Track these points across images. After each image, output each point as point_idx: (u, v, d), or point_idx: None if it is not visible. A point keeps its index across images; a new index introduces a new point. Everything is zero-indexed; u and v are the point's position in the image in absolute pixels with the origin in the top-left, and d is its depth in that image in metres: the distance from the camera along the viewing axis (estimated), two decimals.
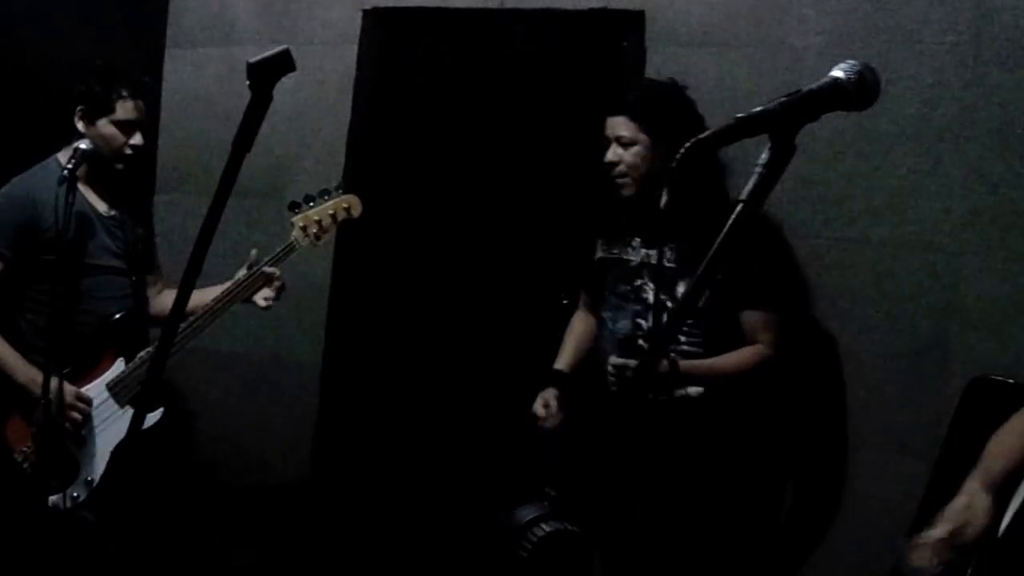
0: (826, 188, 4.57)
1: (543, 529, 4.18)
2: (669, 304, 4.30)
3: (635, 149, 4.33)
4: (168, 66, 6.27)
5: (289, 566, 5.77)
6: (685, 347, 4.29)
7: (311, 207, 4.75)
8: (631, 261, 4.47)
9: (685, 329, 4.29)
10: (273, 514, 5.83)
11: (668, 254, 4.27)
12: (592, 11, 5.10)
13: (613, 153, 4.38)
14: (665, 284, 4.35)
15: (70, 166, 4.38)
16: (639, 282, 4.44)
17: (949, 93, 4.39)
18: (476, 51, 5.56)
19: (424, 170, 5.70)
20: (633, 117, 4.36)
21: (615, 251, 4.56)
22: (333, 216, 4.76)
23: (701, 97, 4.76)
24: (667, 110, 4.39)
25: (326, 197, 4.78)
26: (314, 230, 4.72)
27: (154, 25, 6.27)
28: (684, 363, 4.22)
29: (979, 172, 4.33)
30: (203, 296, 4.61)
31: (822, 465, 4.65)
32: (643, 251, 4.43)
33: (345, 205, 4.80)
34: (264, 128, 5.59)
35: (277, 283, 4.73)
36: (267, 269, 4.67)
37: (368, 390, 5.82)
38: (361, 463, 5.77)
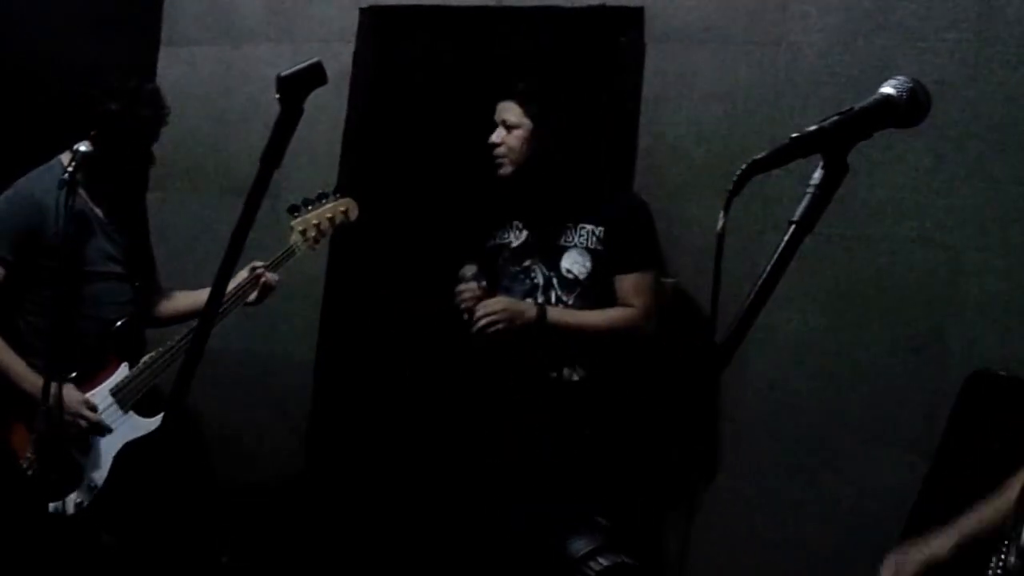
0: None
1: (600, 563, 4.19)
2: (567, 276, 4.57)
3: (517, 132, 4.58)
4: (162, 63, 6.24)
5: (283, 564, 5.75)
6: None
7: (310, 211, 4.77)
8: (513, 243, 4.71)
9: (563, 297, 4.57)
10: (267, 512, 5.81)
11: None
12: (591, 8, 5.11)
13: (497, 135, 4.63)
14: (551, 261, 4.62)
15: (70, 169, 4.36)
16: (527, 263, 4.67)
17: (951, 90, 4.39)
18: (474, 49, 5.56)
19: (421, 169, 5.70)
20: (520, 103, 4.59)
21: (502, 236, 4.77)
22: (331, 220, 4.79)
23: (700, 93, 4.80)
24: (552, 101, 4.61)
25: (324, 201, 4.81)
26: (313, 234, 4.75)
27: (149, 22, 6.25)
28: (552, 310, 4.51)
29: (980, 169, 4.34)
30: (199, 299, 4.61)
31: (822, 460, 4.64)
32: (525, 233, 4.69)
33: (343, 208, 4.83)
34: (259, 126, 5.66)
35: (264, 281, 4.74)
36: (259, 270, 4.68)
37: (361, 388, 5.81)
38: (355, 461, 5.76)
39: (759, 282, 2.08)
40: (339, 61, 5.72)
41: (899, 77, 2.14)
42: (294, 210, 4.76)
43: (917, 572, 2.83)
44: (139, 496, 4.68)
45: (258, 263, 4.66)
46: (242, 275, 4.65)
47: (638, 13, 5.02)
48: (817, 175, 2.10)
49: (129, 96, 4.56)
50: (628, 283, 4.52)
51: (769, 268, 2.08)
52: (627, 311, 4.51)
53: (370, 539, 5.59)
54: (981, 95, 4.34)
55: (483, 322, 4.47)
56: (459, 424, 5.11)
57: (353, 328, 5.85)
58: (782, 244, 2.06)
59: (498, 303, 4.51)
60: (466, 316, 4.55)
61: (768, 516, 4.72)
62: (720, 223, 2.05)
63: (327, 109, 5.72)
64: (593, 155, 4.76)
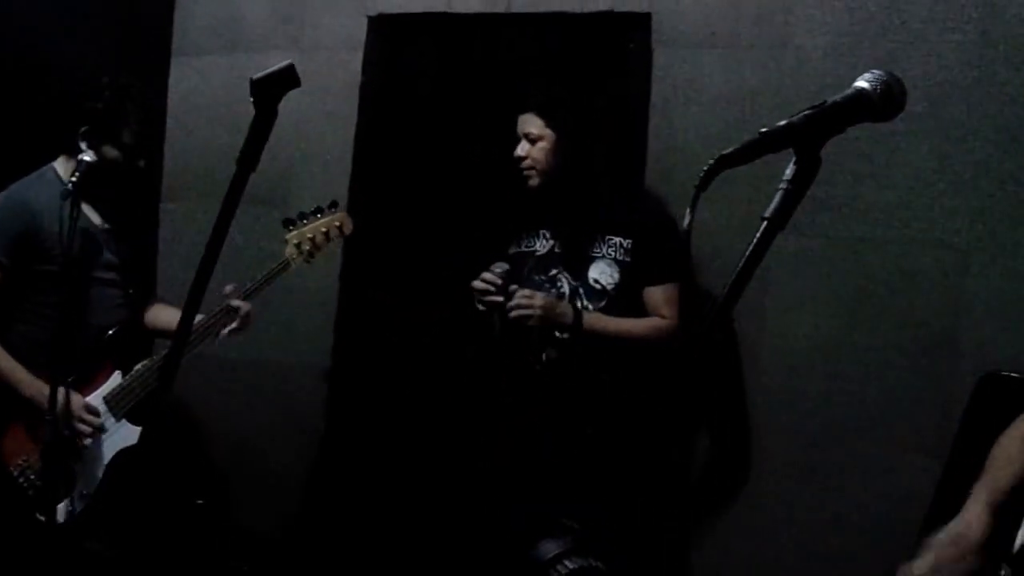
0: (833, 187, 4.56)
1: (567, 567, 4.22)
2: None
3: (541, 144, 4.58)
4: (174, 74, 6.26)
5: (298, 569, 5.78)
6: None
7: (305, 224, 4.85)
8: (539, 251, 4.74)
9: (589, 307, 4.59)
10: (280, 520, 5.83)
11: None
12: (598, 13, 5.10)
13: (521, 148, 4.62)
14: (578, 271, 4.65)
15: (74, 179, 4.37)
16: (553, 272, 4.70)
17: (956, 91, 4.39)
18: (482, 56, 5.56)
19: (432, 176, 5.70)
20: (541, 114, 4.59)
21: (528, 243, 4.79)
22: (326, 233, 4.86)
23: (708, 97, 4.80)
24: (572, 110, 4.63)
25: (319, 215, 4.88)
26: (307, 247, 4.81)
27: (160, 32, 6.26)
28: (588, 316, 4.54)
29: (987, 169, 4.33)
30: (174, 319, 4.64)
31: (836, 463, 4.64)
32: (552, 242, 4.72)
33: (337, 223, 4.90)
34: (271, 135, 5.64)
35: (242, 317, 4.75)
36: (233, 303, 4.69)
37: (376, 395, 5.81)
38: (370, 467, 5.76)
39: (733, 278, 2.07)
40: (348, 69, 5.72)
41: (874, 71, 2.13)
42: (289, 223, 4.83)
43: (981, 534, 2.68)
44: (131, 504, 4.71)
45: (229, 288, 4.68)
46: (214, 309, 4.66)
47: (645, 18, 5.01)
48: (789, 170, 2.05)
49: (114, 94, 4.58)
50: (658, 294, 4.56)
51: (742, 264, 2.06)
52: (662, 322, 4.54)
53: (386, 545, 5.60)
54: (986, 96, 4.33)
55: (516, 313, 4.49)
56: (470, 427, 5.13)
57: (367, 335, 5.85)
58: (755, 240, 2.05)
59: (537, 298, 4.50)
60: (480, 303, 4.57)
61: (782, 519, 4.71)
62: (687, 219, 2.05)
63: (337, 117, 5.74)
64: (613, 162, 4.77)
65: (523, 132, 4.64)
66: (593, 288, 4.60)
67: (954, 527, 2.68)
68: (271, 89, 2.31)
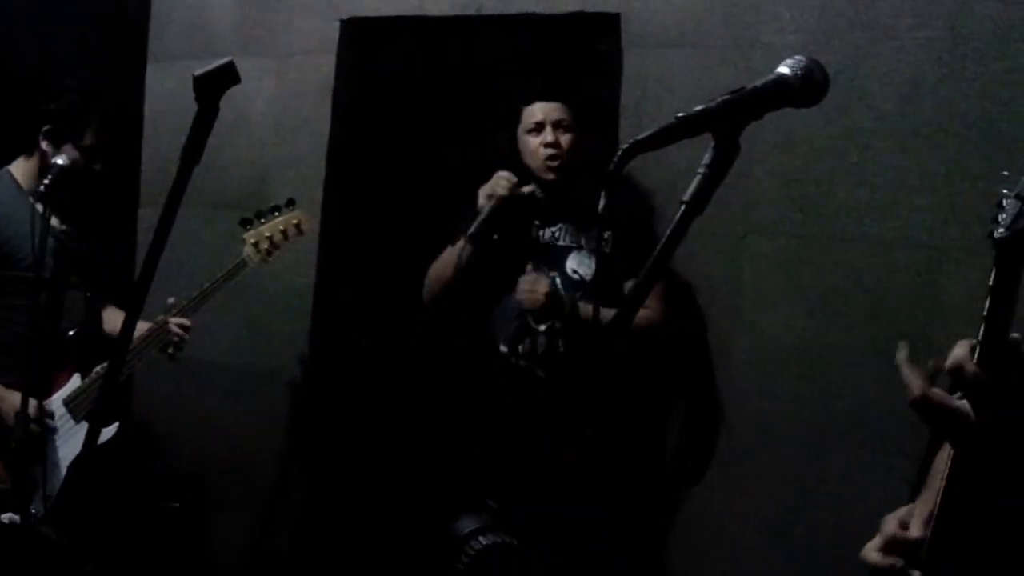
0: (805, 186, 4.55)
1: (480, 542, 4.24)
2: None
3: (570, 136, 4.61)
4: (150, 79, 6.28)
5: (276, 572, 5.77)
6: None
7: (262, 223, 4.88)
8: (556, 244, 4.74)
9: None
10: (254, 524, 5.82)
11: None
12: (569, 15, 5.08)
13: (550, 135, 4.60)
14: (556, 262, 4.68)
15: (46, 182, 4.36)
16: (530, 265, 4.68)
17: (927, 88, 4.36)
18: (454, 58, 5.55)
19: (405, 178, 5.70)
20: (568, 104, 4.63)
21: (540, 234, 4.76)
22: (284, 232, 4.90)
23: (678, 97, 4.77)
24: (593, 100, 4.73)
25: (276, 214, 4.92)
26: (265, 246, 4.83)
27: (136, 38, 6.26)
28: (584, 307, 4.54)
29: (959, 166, 4.30)
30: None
31: (810, 465, 4.61)
32: (568, 236, 4.72)
33: (295, 221, 4.94)
34: (243, 139, 5.68)
35: (176, 340, 4.75)
36: (172, 322, 4.70)
37: (352, 399, 5.81)
38: (343, 473, 5.75)
39: (651, 261, 2.06)
40: (322, 73, 5.72)
41: (796, 57, 2.11)
42: (246, 223, 4.84)
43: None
44: (96, 506, 4.70)
45: (170, 301, 4.66)
46: (144, 326, 4.65)
47: (615, 19, 4.99)
48: (707, 155, 2.02)
49: (76, 96, 4.58)
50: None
51: (659, 249, 2.04)
52: (646, 312, 4.45)
53: (360, 550, 5.59)
54: (957, 92, 4.30)
55: (524, 297, 4.53)
56: (456, 425, 5.11)
57: (344, 337, 5.84)
58: (672, 225, 2.02)
59: (544, 285, 4.52)
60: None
61: (756, 521, 4.69)
62: (601, 203, 2.02)
63: (311, 121, 5.73)
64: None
65: (551, 120, 4.63)
66: (571, 279, 4.63)
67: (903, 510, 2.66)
68: (212, 85, 2.33)
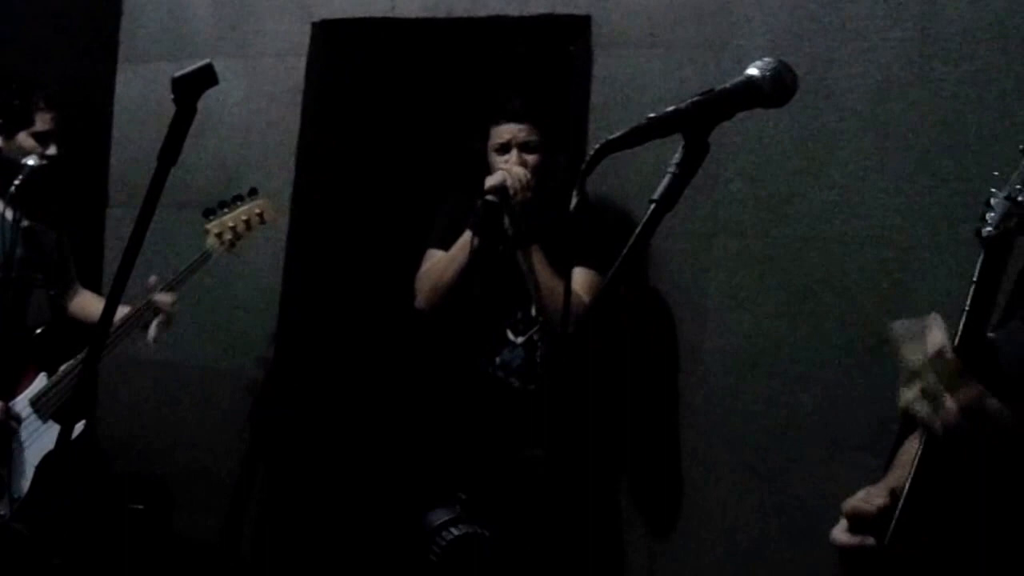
0: (774, 186, 4.57)
1: (452, 533, 4.26)
2: None
3: (538, 156, 4.56)
4: (121, 80, 6.27)
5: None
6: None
7: (225, 213, 4.80)
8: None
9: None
10: (219, 527, 5.82)
11: None
12: (539, 17, 5.10)
13: (514, 158, 4.55)
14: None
15: (16, 183, 4.36)
16: None
17: (896, 89, 4.39)
18: (426, 60, 5.56)
19: (375, 180, 5.70)
20: (537, 124, 4.56)
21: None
22: (247, 222, 4.81)
23: (648, 98, 4.79)
24: (558, 114, 4.64)
25: (239, 203, 4.85)
26: (229, 236, 4.76)
27: (107, 39, 6.25)
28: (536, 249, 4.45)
29: (926, 166, 4.33)
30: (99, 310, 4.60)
31: (779, 463, 4.63)
32: None
33: (258, 210, 4.85)
34: (214, 140, 5.67)
35: (163, 316, 4.68)
36: (155, 297, 4.62)
37: (319, 400, 5.79)
38: (309, 474, 5.75)
39: (620, 259, 2.06)
40: (293, 75, 5.72)
41: (765, 59, 2.14)
42: (209, 213, 4.78)
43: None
44: (64, 508, 4.68)
45: (152, 280, 4.63)
46: (124, 308, 4.56)
47: (585, 21, 5.01)
48: (677, 155, 2.05)
49: (22, 86, 4.58)
50: (579, 276, 4.44)
51: (628, 248, 2.05)
52: (577, 298, 4.34)
53: (322, 553, 5.59)
54: (925, 93, 4.33)
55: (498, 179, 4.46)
56: (416, 431, 5.11)
57: (309, 341, 5.83)
58: (643, 222, 2.03)
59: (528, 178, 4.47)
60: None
61: (724, 519, 4.70)
62: (573, 200, 2.05)
63: (281, 123, 5.73)
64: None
65: (517, 142, 4.58)
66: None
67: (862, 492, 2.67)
68: (190, 87, 2.35)
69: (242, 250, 4.97)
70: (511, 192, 4.44)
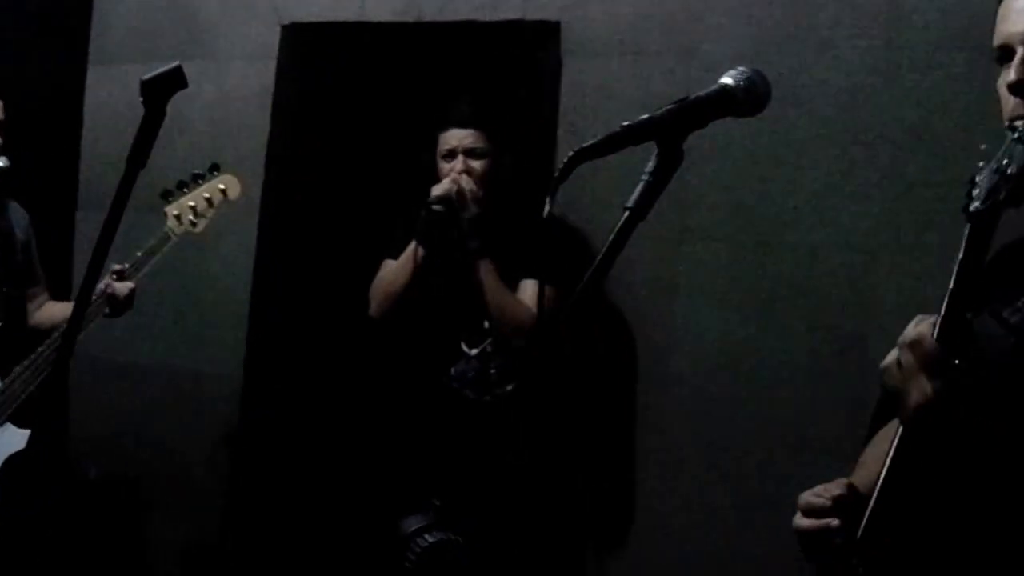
0: (742, 193, 4.59)
1: (427, 540, 4.26)
2: None
3: (485, 162, 4.52)
4: (90, 82, 6.27)
5: None
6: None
7: (185, 193, 4.71)
8: None
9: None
10: (190, 528, 5.80)
11: None
12: (509, 23, 5.10)
13: (460, 164, 4.50)
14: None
15: None
16: None
17: (863, 96, 4.42)
18: (395, 65, 5.57)
19: (345, 184, 5.71)
20: (484, 130, 4.53)
21: None
22: (209, 200, 4.73)
23: (616, 105, 4.81)
24: (511, 119, 4.62)
25: (200, 181, 4.75)
26: (189, 216, 4.68)
27: (76, 42, 6.24)
28: (485, 263, 4.41)
29: (894, 173, 4.36)
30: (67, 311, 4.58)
31: (747, 466, 4.65)
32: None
33: (221, 187, 4.78)
34: (183, 143, 5.65)
35: (122, 299, 4.58)
36: (113, 287, 4.52)
37: (291, 402, 5.80)
38: (283, 477, 5.74)
39: (593, 268, 2.11)
40: (263, 78, 5.72)
41: (739, 68, 2.17)
42: (167, 195, 4.69)
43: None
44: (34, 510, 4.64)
45: (115, 267, 4.56)
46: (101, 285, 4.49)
47: (555, 27, 5.01)
48: (651, 163, 2.10)
49: None
50: (528, 288, 4.45)
51: (602, 256, 2.10)
52: (526, 308, 4.43)
53: (299, 556, 5.58)
54: (892, 100, 4.36)
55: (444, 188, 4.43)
56: (383, 439, 5.11)
57: (281, 343, 5.83)
58: (615, 231, 2.09)
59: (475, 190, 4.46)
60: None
61: (694, 524, 4.72)
62: (546, 208, 2.07)
63: (250, 126, 5.72)
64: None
65: (463, 148, 4.55)
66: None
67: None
68: (160, 89, 2.37)
69: (209, 235, 4.92)
70: (458, 204, 4.42)
